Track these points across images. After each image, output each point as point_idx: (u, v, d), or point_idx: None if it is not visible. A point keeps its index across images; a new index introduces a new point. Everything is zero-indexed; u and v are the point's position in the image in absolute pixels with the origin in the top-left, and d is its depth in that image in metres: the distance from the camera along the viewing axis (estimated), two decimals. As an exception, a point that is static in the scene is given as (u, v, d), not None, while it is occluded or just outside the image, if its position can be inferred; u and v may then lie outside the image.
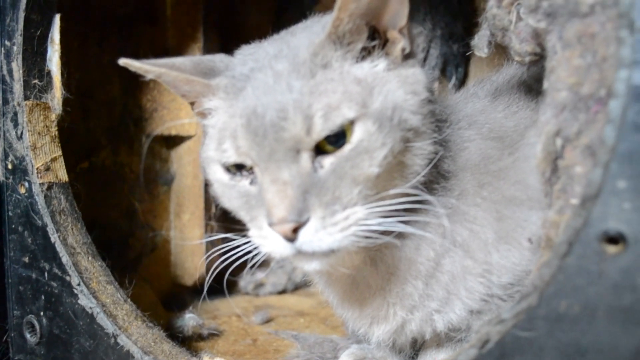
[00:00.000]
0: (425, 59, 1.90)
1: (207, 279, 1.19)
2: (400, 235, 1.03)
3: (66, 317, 1.41)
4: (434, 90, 1.12)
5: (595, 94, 0.78)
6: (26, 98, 1.42)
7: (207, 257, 1.29)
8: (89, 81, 1.78)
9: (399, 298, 1.09)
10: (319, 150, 0.95)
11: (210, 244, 1.84)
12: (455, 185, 1.09)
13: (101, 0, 1.81)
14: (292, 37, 1.06)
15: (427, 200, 1.02)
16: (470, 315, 1.09)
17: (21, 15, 1.39)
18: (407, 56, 1.04)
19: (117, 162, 1.90)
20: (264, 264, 1.20)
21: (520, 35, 1.02)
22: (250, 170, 1.01)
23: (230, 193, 1.04)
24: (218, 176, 1.06)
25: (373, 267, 1.09)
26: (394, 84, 0.99)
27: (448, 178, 1.09)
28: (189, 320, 1.60)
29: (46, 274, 1.43)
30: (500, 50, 1.19)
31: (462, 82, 1.94)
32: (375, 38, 1.02)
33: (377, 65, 1.01)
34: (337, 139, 0.94)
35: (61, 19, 1.45)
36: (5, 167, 1.47)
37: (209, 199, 1.98)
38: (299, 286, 2.15)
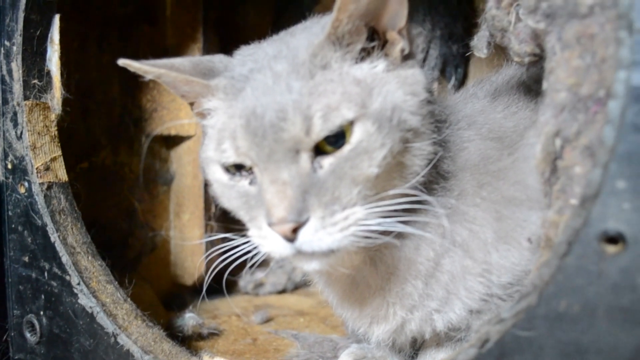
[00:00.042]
0: (424, 60, 1.90)
1: (207, 278, 1.20)
2: (400, 235, 1.04)
3: (66, 316, 1.41)
4: (433, 91, 1.13)
5: (595, 95, 0.79)
6: (26, 98, 1.42)
7: (206, 257, 1.29)
8: (88, 81, 1.78)
9: (398, 298, 1.09)
10: (319, 150, 0.95)
11: (210, 244, 1.85)
12: (455, 185, 1.09)
13: (101, 0, 1.81)
14: (292, 38, 1.06)
15: (426, 200, 1.02)
16: (470, 314, 1.09)
17: (21, 15, 1.39)
18: (407, 57, 1.04)
19: (116, 162, 1.91)
20: (264, 263, 1.20)
21: (519, 36, 1.02)
22: (249, 170, 1.01)
23: (230, 193, 1.05)
24: (217, 176, 1.06)
25: (373, 267, 1.09)
26: (393, 85, 0.99)
27: (447, 178, 1.09)
28: (189, 319, 1.60)
29: (46, 274, 1.43)
30: (500, 51, 1.19)
31: (461, 83, 1.94)
32: (374, 39, 1.02)
33: (376, 66, 1.01)
34: (337, 139, 0.94)
35: (61, 19, 1.45)
36: (5, 167, 1.48)
37: (208, 199, 1.98)
38: (299, 286, 2.15)
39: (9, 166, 1.47)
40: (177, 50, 1.96)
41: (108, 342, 1.34)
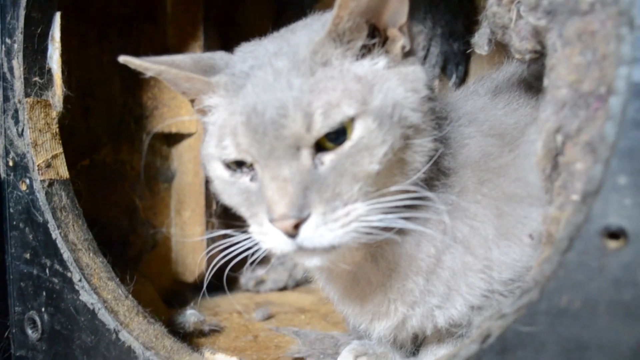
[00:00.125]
0: (425, 57, 1.90)
1: (207, 274, 1.20)
2: (401, 232, 1.04)
3: (67, 313, 1.41)
4: (434, 88, 1.12)
5: (596, 91, 0.79)
6: (27, 95, 1.42)
7: (207, 253, 1.29)
8: (89, 79, 1.78)
9: (399, 294, 1.10)
10: (319, 147, 0.95)
11: (211, 241, 1.85)
12: (456, 182, 1.09)
13: (101, -2, 1.82)
14: (292, 35, 1.06)
15: (427, 196, 1.02)
16: (471, 311, 1.09)
17: (22, 13, 1.39)
18: (407, 54, 1.04)
19: (117, 160, 1.91)
20: (264, 261, 1.21)
21: (520, 33, 1.03)
22: (250, 167, 1.01)
23: (231, 190, 1.05)
24: (218, 173, 1.06)
25: (374, 263, 1.10)
26: (394, 82, 0.99)
27: (448, 175, 1.09)
28: (190, 316, 1.60)
29: (47, 270, 1.43)
30: (501, 48, 1.19)
31: (462, 80, 1.94)
32: (375, 36, 1.02)
33: (377, 63, 1.01)
34: (338, 136, 0.95)
35: (61, 17, 1.45)
36: (7, 164, 1.48)
37: (209, 196, 1.98)
38: (300, 283, 2.15)
39: (10, 163, 1.47)
40: (177, 48, 1.96)
41: (109, 338, 1.35)
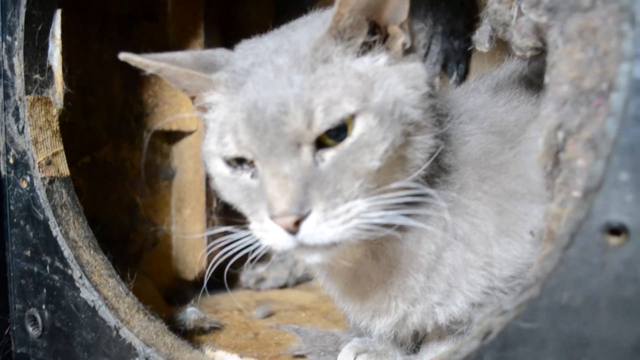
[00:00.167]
0: (426, 55, 1.90)
1: (208, 271, 1.19)
2: (402, 228, 1.04)
3: (68, 310, 1.41)
4: (435, 85, 1.13)
5: (597, 88, 0.79)
6: (27, 93, 1.42)
7: (207, 250, 1.29)
8: (89, 77, 1.78)
9: (400, 291, 1.10)
10: (320, 144, 0.95)
11: (211, 238, 1.85)
12: (456, 179, 1.09)
13: (102, -4, 1.82)
14: (293, 32, 1.06)
15: (428, 193, 1.02)
16: (472, 308, 1.09)
17: (22, 10, 1.39)
18: (408, 51, 1.04)
19: (118, 158, 1.91)
20: (265, 258, 1.21)
21: (521, 30, 1.03)
22: (251, 163, 1.01)
23: (231, 187, 1.05)
24: (219, 170, 1.06)
25: (374, 260, 1.10)
26: (394, 79, 0.99)
27: (449, 172, 1.09)
28: (191, 314, 1.60)
29: (48, 268, 1.43)
30: (502, 46, 1.19)
31: (463, 78, 1.94)
32: (375, 33, 1.02)
33: (377, 60, 1.01)
34: (338, 132, 0.95)
35: (62, 15, 1.45)
36: (7, 162, 1.48)
37: (210, 194, 1.98)
38: (300, 281, 2.16)
39: (11, 161, 1.47)
40: (178, 46, 1.96)
41: (110, 335, 1.35)
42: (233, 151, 1.00)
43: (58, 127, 1.48)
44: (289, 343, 1.53)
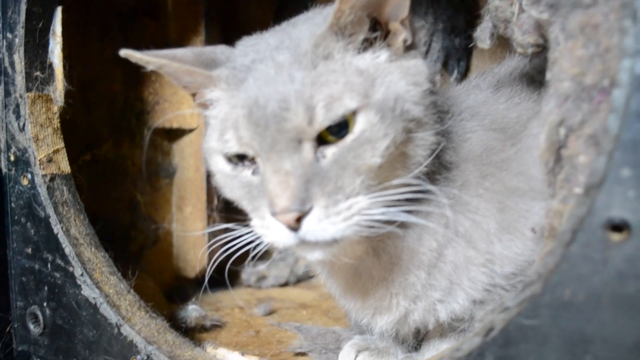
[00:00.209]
0: (427, 53, 1.90)
1: (209, 269, 1.19)
2: (403, 225, 1.04)
3: (69, 307, 1.41)
4: (436, 82, 1.12)
5: (599, 84, 0.79)
6: (28, 90, 1.42)
7: (208, 247, 1.29)
8: (90, 75, 1.78)
9: (401, 288, 1.09)
10: (321, 140, 0.95)
11: (212, 236, 1.85)
12: (458, 176, 1.09)
13: (103, -7, 1.81)
14: (294, 29, 1.06)
15: (429, 190, 1.02)
16: (473, 305, 1.09)
17: (23, 7, 1.39)
18: (409, 47, 1.04)
19: (119, 155, 1.91)
20: (265, 256, 1.21)
21: (522, 27, 1.03)
22: (252, 160, 1.01)
23: (233, 183, 1.05)
24: (220, 167, 1.06)
25: (375, 257, 1.10)
26: (395, 75, 0.99)
27: (450, 169, 1.09)
28: (192, 311, 1.60)
29: (49, 265, 1.43)
30: (503, 43, 1.19)
31: (463, 76, 1.94)
32: (377, 29, 1.01)
33: (378, 57, 1.01)
34: (339, 129, 0.94)
35: (63, 12, 1.45)
36: (8, 159, 1.48)
37: (211, 192, 1.98)
38: (301, 279, 2.16)
39: (12, 158, 1.47)
40: (179, 43, 1.96)
41: (111, 332, 1.35)
42: (234, 148, 0.99)
43: (59, 125, 1.48)
44: (290, 341, 1.53)
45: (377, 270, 1.10)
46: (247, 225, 1.05)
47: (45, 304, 1.46)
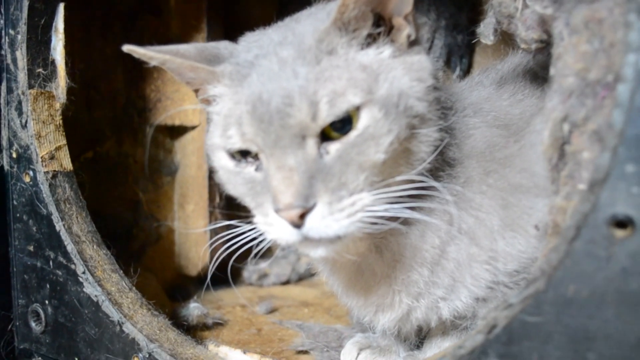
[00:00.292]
0: (429, 50, 1.90)
1: (211, 266, 1.19)
2: (406, 222, 1.04)
3: (71, 305, 1.41)
4: (440, 78, 1.12)
5: (603, 80, 0.78)
6: (30, 87, 1.42)
7: (210, 244, 1.29)
8: (92, 72, 1.78)
9: (404, 285, 1.09)
10: (325, 136, 0.95)
11: (214, 233, 1.85)
12: (461, 172, 1.08)
13: (105, -10, 1.81)
14: (297, 24, 1.06)
15: (432, 186, 1.01)
16: (476, 302, 1.09)
17: (25, 4, 1.39)
18: (413, 43, 1.04)
19: (121, 153, 1.91)
20: (267, 254, 1.20)
21: (526, 23, 1.02)
22: (255, 156, 1.00)
23: (236, 180, 1.04)
24: (223, 163, 1.05)
25: (378, 255, 1.09)
26: (399, 71, 0.99)
27: (453, 165, 1.08)
28: (194, 309, 1.60)
29: (51, 263, 1.43)
30: (506, 38, 1.18)
31: (466, 73, 1.94)
32: (380, 25, 1.01)
33: (382, 52, 1.01)
34: (343, 125, 0.94)
35: (65, 9, 1.45)
36: (10, 156, 1.48)
37: (213, 189, 1.98)
38: (303, 277, 2.16)
39: (14, 155, 1.47)
40: (181, 40, 1.95)
41: (113, 330, 1.35)
42: (237, 144, 0.99)
43: (61, 122, 1.48)
44: (292, 339, 1.53)
45: (380, 267, 1.10)
46: (249, 223, 1.04)
47: (47, 301, 1.46)
